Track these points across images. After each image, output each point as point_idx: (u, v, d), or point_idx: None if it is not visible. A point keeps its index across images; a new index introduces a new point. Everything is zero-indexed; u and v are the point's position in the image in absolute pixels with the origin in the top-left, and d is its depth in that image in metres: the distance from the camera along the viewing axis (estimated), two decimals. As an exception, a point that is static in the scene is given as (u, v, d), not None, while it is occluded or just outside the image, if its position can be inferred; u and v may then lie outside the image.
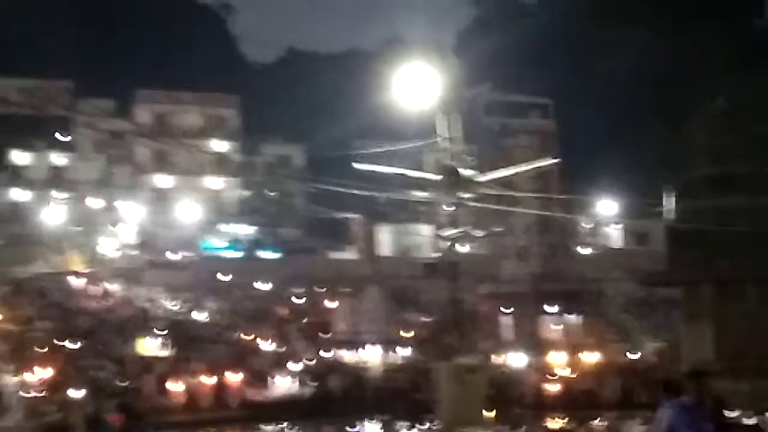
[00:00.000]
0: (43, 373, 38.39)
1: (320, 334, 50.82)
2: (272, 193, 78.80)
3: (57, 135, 76.02)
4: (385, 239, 70.89)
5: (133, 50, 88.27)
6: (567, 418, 38.09)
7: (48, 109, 73.02)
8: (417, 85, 20.00)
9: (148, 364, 43.24)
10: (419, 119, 22.78)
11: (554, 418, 38.31)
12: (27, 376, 37.30)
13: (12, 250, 61.70)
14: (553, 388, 43.01)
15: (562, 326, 50.49)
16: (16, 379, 35.45)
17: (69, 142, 76.80)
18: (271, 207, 78.02)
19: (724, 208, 40.06)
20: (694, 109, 45.56)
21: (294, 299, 59.32)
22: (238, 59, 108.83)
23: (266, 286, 60.77)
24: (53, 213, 68.85)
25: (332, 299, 55.34)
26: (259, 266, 64.99)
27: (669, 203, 45.91)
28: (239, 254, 69.48)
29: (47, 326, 46.58)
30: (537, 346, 47.98)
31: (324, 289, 58.67)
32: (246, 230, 73.17)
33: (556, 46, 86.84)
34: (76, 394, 37.14)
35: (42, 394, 36.43)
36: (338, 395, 42.13)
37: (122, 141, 76.41)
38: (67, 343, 45.34)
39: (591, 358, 46.39)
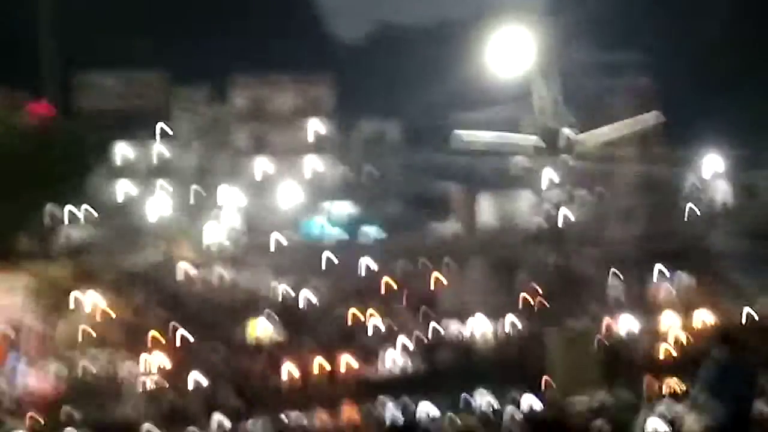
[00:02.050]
0: (158, 361, 39.10)
1: (427, 307, 50.74)
2: (370, 170, 78.88)
3: (156, 125, 77.34)
4: (487, 208, 70.35)
5: (225, 35, 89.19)
6: (683, 380, 37.31)
7: (146, 100, 74.34)
8: (511, 50, 19.64)
9: (260, 346, 43.72)
10: (514, 85, 22.40)
11: (670, 381, 37.56)
12: (143, 364, 38.02)
13: (122, 241, 62.95)
14: (666, 350, 42.18)
15: (673, 287, 49.49)
16: (132, 365, 36.11)
17: (169, 131, 78.06)
18: (371, 183, 78.13)
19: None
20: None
21: (399, 274, 59.38)
22: (329, 37, 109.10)
23: (371, 263, 60.92)
24: (158, 202, 70.02)
25: (437, 272, 55.21)
26: (362, 243, 65.18)
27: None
28: (342, 233, 69.79)
29: (160, 314, 47.44)
30: (647, 308, 47.13)
31: (428, 262, 58.56)
32: (346, 208, 73.38)
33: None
34: (192, 380, 37.74)
35: (159, 381, 37.10)
36: (448, 368, 41.97)
37: (220, 127, 77.34)
38: (179, 330, 46.18)
39: (705, 318, 45.37)
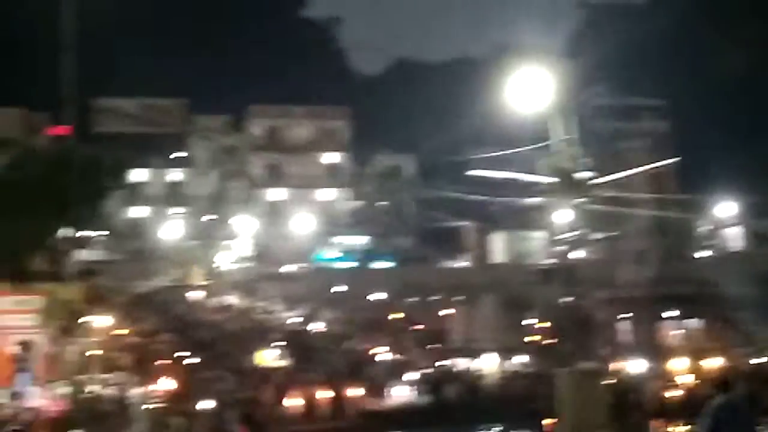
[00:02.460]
0: (166, 385, 39.20)
1: (435, 342, 50.81)
2: (384, 203, 79.15)
3: (173, 152, 77.87)
4: (499, 246, 70.53)
5: (244, 66, 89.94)
6: (689, 426, 37.21)
7: (164, 126, 74.84)
8: (529, 89, 19.85)
9: (267, 375, 43.79)
10: (531, 124, 22.63)
11: (676, 426, 37.46)
12: (151, 388, 38.13)
13: (133, 265, 63.28)
14: (674, 394, 42.05)
15: (682, 331, 49.44)
16: (140, 390, 36.24)
17: (185, 158, 78.55)
18: (384, 217, 78.38)
19: None
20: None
21: (408, 308, 59.48)
22: (347, 71, 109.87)
23: (380, 296, 61.05)
24: (171, 228, 70.44)
25: (447, 307, 55.32)
26: (372, 276, 65.36)
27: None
28: (353, 264, 69.99)
29: (169, 338, 47.63)
30: (656, 351, 47.08)
31: (438, 298, 58.69)
32: (359, 240, 73.62)
33: (669, 46, 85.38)
34: (199, 405, 37.82)
35: (166, 405, 37.18)
36: (455, 403, 41.96)
37: (236, 156, 77.80)
38: (188, 355, 46.33)
39: (713, 363, 45.25)
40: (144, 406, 34.58)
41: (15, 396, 33.88)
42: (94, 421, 33.44)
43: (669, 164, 24.72)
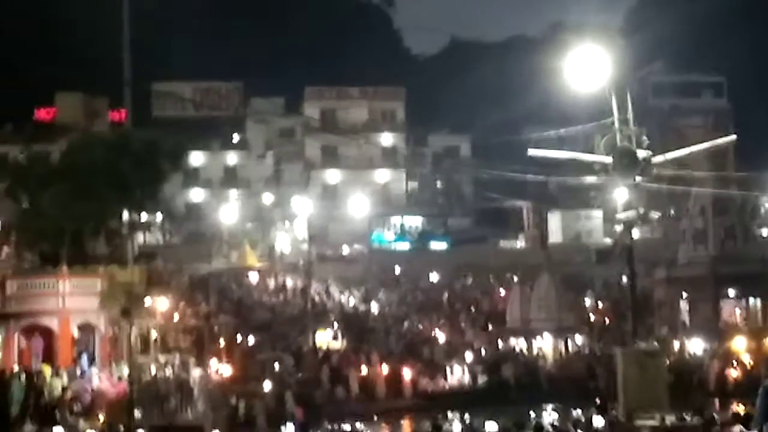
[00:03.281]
0: (225, 366, 39.56)
1: (493, 323, 50.67)
2: (440, 184, 79.01)
3: (230, 135, 78.34)
4: (556, 225, 70.11)
5: (300, 49, 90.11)
6: (750, 405, 36.70)
7: (221, 109, 75.29)
8: (586, 67, 19.61)
9: (324, 356, 43.99)
10: (588, 102, 22.38)
11: (737, 405, 37.03)
12: (210, 369, 38.49)
13: (191, 248, 63.90)
14: (734, 374, 41.60)
15: (742, 310, 48.77)
16: (200, 371, 36.58)
17: (242, 141, 79.02)
18: (440, 197, 78.25)
19: None
20: None
21: (465, 289, 59.38)
22: (403, 52, 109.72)
23: (437, 277, 61.01)
24: (228, 211, 70.94)
25: (504, 288, 55.13)
26: (429, 257, 65.34)
27: None
28: (409, 246, 70.01)
29: (227, 320, 48.03)
30: (716, 331, 46.53)
31: (495, 278, 58.52)
32: (415, 221, 73.58)
33: (728, 21, 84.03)
34: (257, 386, 38.11)
35: (225, 387, 37.52)
36: (512, 384, 41.85)
37: (292, 138, 78.07)
38: (246, 337, 46.70)
39: (774, 343, 44.63)
40: (203, 388, 34.88)
41: (76, 377, 34.34)
42: (154, 402, 33.85)
43: (729, 141, 24.26)
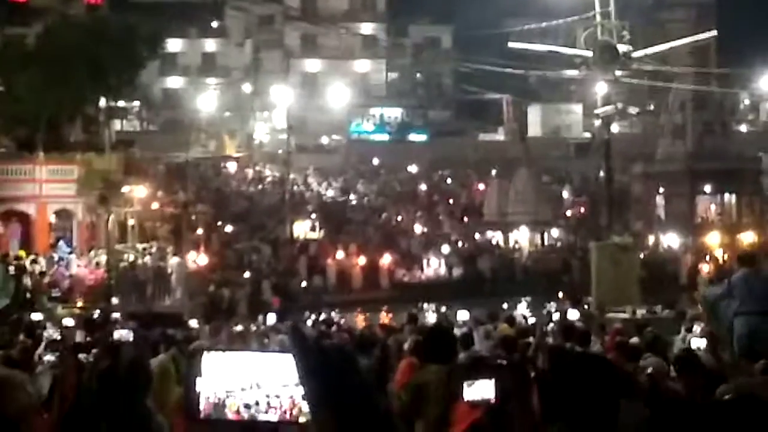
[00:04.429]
0: (202, 255, 39.69)
1: (469, 215, 50.95)
2: (420, 75, 78.40)
3: (209, 21, 77.12)
4: (535, 119, 69.99)
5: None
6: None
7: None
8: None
9: (301, 246, 44.18)
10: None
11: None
12: (187, 257, 38.59)
13: (168, 136, 63.48)
14: (706, 268, 42.14)
15: (717, 206, 49.18)
16: (177, 259, 36.66)
17: (220, 27, 77.85)
18: (420, 89, 77.73)
19: None
20: None
21: (443, 181, 59.54)
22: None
23: (415, 169, 61.08)
24: (206, 99, 70.36)
25: (481, 181, 55.28)
26: (407, 149, 65.27)
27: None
28: (388, 137, 69.85)
29: (205, 209, 48.03)
30: (691, 226, 46.97)
31: (473, 171, 58.63)
32: (394, 113, 73.24)
33: None
34: (235, 275, 38.33)
35: (202, 275, 37.68)
36: (488, 276, 42.27)
37: (272, 26, 76.98)
38: (224, 226, 46.79)
39: (748, 238, 45.15)
40: (181, 276, 35.04)
41: (54, 263, 34.42)
42: (131, 289, 34.05)
43: (710, 37, 24.10)
